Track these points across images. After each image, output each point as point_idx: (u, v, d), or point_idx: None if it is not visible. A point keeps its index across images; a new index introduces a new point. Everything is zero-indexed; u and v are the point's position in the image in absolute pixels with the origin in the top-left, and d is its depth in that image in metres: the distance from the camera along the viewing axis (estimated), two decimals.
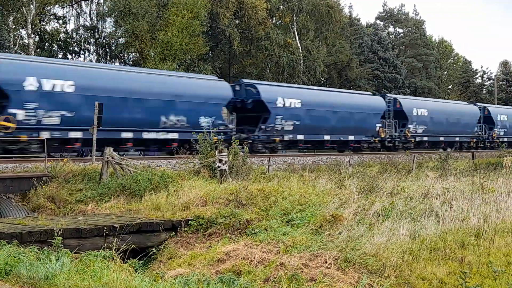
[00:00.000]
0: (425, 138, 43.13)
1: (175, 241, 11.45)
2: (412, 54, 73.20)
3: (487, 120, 48.97)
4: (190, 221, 11.85)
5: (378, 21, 79.56)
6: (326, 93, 37.41)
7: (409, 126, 41.11)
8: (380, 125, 38.00)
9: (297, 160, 27.97)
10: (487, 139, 48.89)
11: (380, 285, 8.32)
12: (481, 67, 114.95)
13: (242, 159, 18.30)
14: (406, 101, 42.65)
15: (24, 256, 8.26)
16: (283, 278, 8.31)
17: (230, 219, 11.63)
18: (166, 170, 17.22)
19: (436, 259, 9.86)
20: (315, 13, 55.67)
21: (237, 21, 50.70)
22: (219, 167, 16.88)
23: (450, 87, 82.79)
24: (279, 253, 9.43)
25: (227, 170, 16.89)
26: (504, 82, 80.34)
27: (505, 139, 50.67)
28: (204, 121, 27.79)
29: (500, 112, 51.40)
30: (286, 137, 32.17)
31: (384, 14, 79.29)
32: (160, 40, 42.17)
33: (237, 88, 31.40)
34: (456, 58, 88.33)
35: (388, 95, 42.79)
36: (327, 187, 14.65)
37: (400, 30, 79.63)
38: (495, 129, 49.51)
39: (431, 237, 10.65)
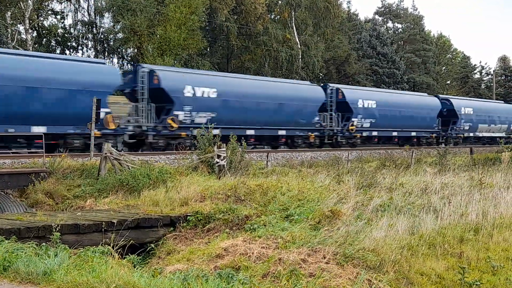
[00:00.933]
0: (374, 133, 37.81)
1: (173, 237, 11.44)
2: (411, 49, 73.16)
3: (342, 107, 35.94)
4: (188, 217, 11.83)
5: (376, 16, 79.55)
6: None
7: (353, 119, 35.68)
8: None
9: (296, 156, 27.97)
10: (340, 132, 35.96)
11: (379, 281, 8.32)
12: (480, 62, 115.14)
13: (240, 154, 18.27)
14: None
15: (22, 251, 8.23)
16: (282, 273, 8.30)
17: (229, 214, 11.61)
18: (165, 165, 17.20)
19: (434, 254, 9.86)
20: (313, 8, 55.59)
21: (235, 17, 50.61)
22: (217, 162, 16.86)
23: (448, 82, 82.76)
24: (278, 248, 9.41)
25: (225, 166, 16.88)
26: (502, 77, 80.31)
27: (375, 133, 38.35)
28: None
29: (362, 96, 37.70)
30: None
31: (382, 9, 79.22)
32: (158, 36, 42.09)
33: None
34: (454, 53, 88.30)
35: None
36: (326, 182, 14.62)
37: (399, 26, 79.58)
38: (354, 119, 36.67)
39: (430, 233, 10.64)
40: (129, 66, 47.82)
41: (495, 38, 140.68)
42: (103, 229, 10.72)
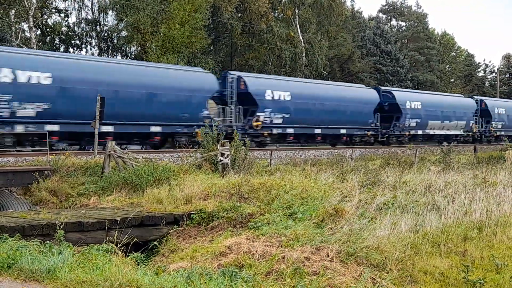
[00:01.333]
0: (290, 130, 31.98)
1: (177, 235, 11.45)
2: (415, 47, 72.99)
3: (245, 99, 30.17)
4: (192, 215, 11.84)
5: (380, 14, 79.47)
6: None
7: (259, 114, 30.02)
8: None
9: (299, 154, 27.99)
10: (241, 129, 29.09)
11: (382, 279, 8.31)
12: (484, 60, 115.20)
13: (244, 152, 18.28)
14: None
15: (26, 249, 8.26)
16: (285, 271, 8.30)
17: (232, 212, 11.62)
18: (168, 163, 17.22)
19: (438, 253, 9.85)
20: (317, 6, 55.50)
21: (239, 15, 50.60)
22: (221, 160, 16.87)
23: (452, 80, 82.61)
24: (281, 246, 9.42)
25: (229, 164, 16.89)
26: (506, 76, 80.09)
27: (289, 131, 32.35)
28: None
29: (271, 87, 31.46)
30: None
31: (386, 7, 79.10)
32: (161, 34, 42.09)
33: None
34: (458, 51, 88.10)
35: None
36: (329, 180, 14.63)
37: (403, 23, 79.44)
38: (260, 114, 30.45)
39: (434, 231, 10.64)
40: None
41: (499, 36, 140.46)
42: (106, 227, 10.72)
